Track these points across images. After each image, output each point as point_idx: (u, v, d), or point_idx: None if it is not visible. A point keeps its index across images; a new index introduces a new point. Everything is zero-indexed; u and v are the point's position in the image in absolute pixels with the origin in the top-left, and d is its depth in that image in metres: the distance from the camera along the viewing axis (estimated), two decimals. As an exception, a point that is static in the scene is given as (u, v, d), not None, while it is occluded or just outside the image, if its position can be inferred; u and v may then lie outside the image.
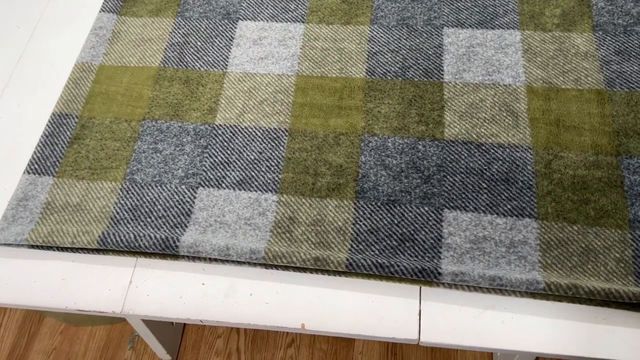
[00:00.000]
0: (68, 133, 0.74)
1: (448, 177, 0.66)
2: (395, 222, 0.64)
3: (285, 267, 0.63)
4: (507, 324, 0.58)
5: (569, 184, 0.64)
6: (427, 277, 0.59)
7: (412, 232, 0.63)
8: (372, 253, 0.62)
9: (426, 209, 0.64)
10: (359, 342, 1.28)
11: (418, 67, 0.75)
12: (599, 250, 0.60)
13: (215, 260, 0.64)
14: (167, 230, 0.65)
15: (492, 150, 0.68)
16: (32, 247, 0.66)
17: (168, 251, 0.63)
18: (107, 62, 0.81)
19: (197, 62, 0.80)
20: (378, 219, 0.64)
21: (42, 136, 0.74)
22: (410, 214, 0.64)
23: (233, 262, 0.63)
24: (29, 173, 0.71)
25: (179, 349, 1.28)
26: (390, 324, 0.59)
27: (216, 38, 0.82)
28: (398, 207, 0.65)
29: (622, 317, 0.58)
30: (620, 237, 0.61)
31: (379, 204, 0.65)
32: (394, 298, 0.61)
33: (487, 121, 0.70)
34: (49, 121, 0.75)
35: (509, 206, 0.64)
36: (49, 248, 0.66)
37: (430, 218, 0.64)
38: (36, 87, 0.81)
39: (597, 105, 0.70)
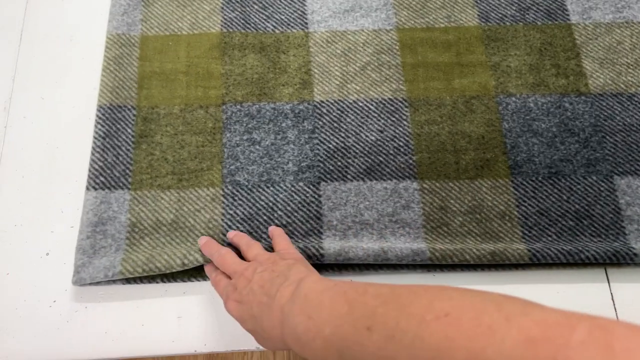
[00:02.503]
0: (129, 130, 0.59)
1: (607, 137, 0.58)
2: (564, 198, 0.56)
3: (452, 267, 0.54)
4: None
5: None
6: (622, 259, 0.52)
7: (586, 207, 0.55)
8: (549, 239, 0.54)
9: (594, 178, 0.57)
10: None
11: (538, 8, 0.65)
12: None
13: (366, 267, 0.54)
14: (300, 239, 0.54)
15: (646, 101, 0.60)
16: (127, 282, 0.53)
17: (311, 261, 0.52)
18: (149, 32, 0.64)
19: (268, 22, 0.64)
20: (544, 197, 0.56)
21: (95, 138, 0.58)
22: (578, 186, 0.56)
23: (388, 267, 0.54)
24: (95, 189, 0.56)
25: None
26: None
27: (282, -12, 0.66)
28: (563, 180, 0.57)
29: None
30: None
31: (539, 178, 0.57)
32: (580, 285, 0.54)
33: (631, 67, 0.62)
34: (99, 117, 0.59)
35: (681, 164, 0.57)
36: (150, 280, 0.53)
37: (602, 188, 0.56)
38: (56, 73, 0.63)
39: None
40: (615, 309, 0.53)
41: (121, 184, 0.56)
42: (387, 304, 0.33)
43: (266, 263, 0.45)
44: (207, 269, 0.51)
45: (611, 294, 0.54)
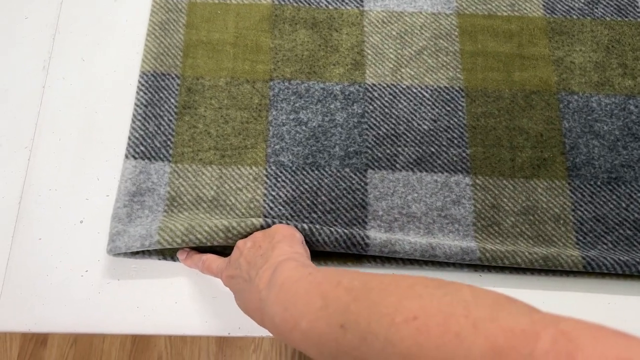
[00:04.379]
0: (172, 100, 0.56)
1: (673, 145, 0.55)
2: (623, 205, 0.53)
3: (500, 269, 0.51)
4: None
5: None
6: (683, 274, 0.50)
7: (646, 217, 0.53)
8: (604, 247, 0.51)
9: (657, 187, 0.54)
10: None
11: (608, 3, 0.61)
12: None
13: (411, 262, 0.51)
14: (344, 228, 0.52)
15: None
16: (163, 256, 0.51)
17: (354, 250, 0.50)
18: (197, -2, 0.61)
19: (322, -4, 0.61)
20: (602, 203, 0.53)
21: (137, 106, 0.56)
22: (639, 194, 0.53)
23: (434, 263, 0.51)
24: (134, 158, 0.54)
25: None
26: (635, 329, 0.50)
27: (338, -37, 0.63)
28: (622, 187, 0.54)
29: None
30: None
31: (598, 183, 0.54)
32: (634, 298, 0.51)
33: (703, 72, 0.58)
34: (141, 84, 0.57)
35: None
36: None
37: (664, 199, 0.53)
38: (100, 32, 0.61)
39: None
40: (668, 326, 0.51)
41: (162, 155, 0.54)
42: (358, 300, 0.33)
43: (257, 238, 0.46)
44: (188, 261, 0.50)
45: (666, 309, 0.51)
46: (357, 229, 0.52)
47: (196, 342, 1.17)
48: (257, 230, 0.49)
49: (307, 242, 0.49)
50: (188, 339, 1.17)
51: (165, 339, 1.16)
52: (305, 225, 0.50)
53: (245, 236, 0.49)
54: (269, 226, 0.49)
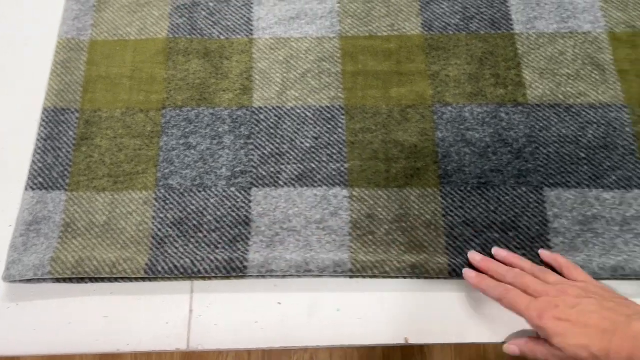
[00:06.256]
0: (71, 133, 0.60)
1: (541, 148, 0.58)
2: (492, 208, 0.56)
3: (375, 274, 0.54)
4: None
5: (675, 145, 0.58)
6: (543, 272, 0.52)
7: (513, 219, 0.55)
8: (473, 249, 0.54)
9: (524, 189, 0.56)
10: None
11: (482, 18, 0.65)
12: None
13: (292, 275, 0.54)
14: (227, 247, 0.55)
15: (584, 113, 0.59)
16: (56, 280, 0.54)
17: (234, 273, 0.53)
18: (99, 36, 0.65)
19: (214, 28, 0.65)
20: (472, 207, 0.56)
21: (38, 140, 0.60)
22: (506, 197, 0.56)
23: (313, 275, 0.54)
24: (33, 189, 0.58)
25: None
26: (503, 325, 0.53)
27: (231, -5, 0.67)
28: (492, 191, 0.56)
29: None
30: None
31: (468, 188, 0.57)
32: (503, 296, 0.54)
33: (571, 78, 0.61)
34: (43, 119, 0.61)
35: (613, 177, 0.57)
36: (78, 280, 0.54)
37: (531, 200, 0.56)
38: (6, 75, 0.65)
39: (689, 49, 0.62)
40: (536, 322, 0.53)
41: (59, 185, 0.58)
42: None
43: (589, 290, 0.47)
44: (483, 285, 0.51)
45: (534, 306, 0.53)
46: (241, 246, 0.55)
47: (162, 357, 1.19)
48: (140, 267, 0.53)
49: (189, 274, 0.52)
50: (154, 356, 1.19)
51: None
52: (187, 260, 0.53)
53: (133, 272, 0.53)
54: (149, 268, 0.52)
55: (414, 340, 0.52)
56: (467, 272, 0.52)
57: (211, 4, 0.67)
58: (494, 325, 0.53)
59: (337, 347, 0.53)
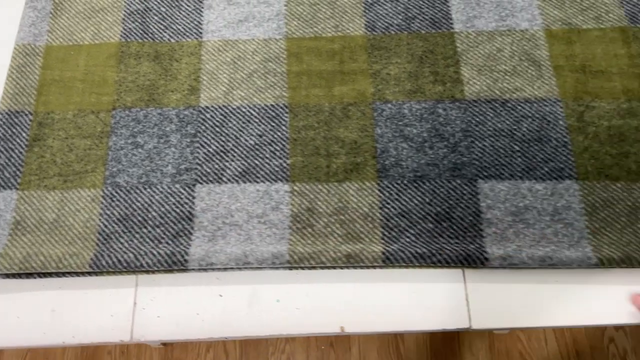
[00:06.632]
0: (24, 135, 0.62)
1: (476, 142, 0.60)
2: (427, 200, 0.57)
3: (313, 266, 0.56)
4: (560, 298, 0.54)
5: (606, 137, 0.59)
6: (473, 263, 0.53)
7: (447, 210, 0.57)
8: (407, 240, 0.56)
9: (458, 181, 0.58)
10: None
11: (424, 17, 0.67)
12: (646, 207, 0.56)
13: (232, 267, 0.56)
14: (170, 242, 0.56)
15: (519, 107, 0.61)
16: (6, 276, 0.56)
17: (176, 267, 0.55)
18: (54, 42, 0.68)
19: (165, 32, 0.68)
20: (407, 200, 0.58)
21: (-8, 142, 0.62)
22: (441, 189, 0.58)
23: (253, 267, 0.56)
24: (-15, 189, 0.59)
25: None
26: (438, 314, 0.54)
27: (182, 0, 0.69)
28: (427, 183, 0.58)
29: (674, 274, 0.55)
30: (665, 189, 0.57)
31: (405, 181, 0.58)
32: (437, 285, 0.55)
33: (508, 74, 0.63)
34: (-3, 122, 0.63)
35: (546, 169, 0.58)
36: (27, 275, 0.56)
37: (465, 192, 0.58)
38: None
39: (622, 44, 0.64)
40: (469, 310, 0.54)
41: (10, 184, 0.60)
42: None
43: None
44: None
45: (466, 294, 0.55)
46: (184, 241, 0.56)
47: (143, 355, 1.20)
48: (85, 262, 0.54)
49: (132, 268, 0.54)
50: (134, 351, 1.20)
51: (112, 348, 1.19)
52: (131, 254, 0.55)
53: (78, 267, 0.54)
54: (94, 262, 0.54)
55: (349, 329, 0.54)
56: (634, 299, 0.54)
57: (163, 9, 0.69)
58: (429, 314, 0.54)
59: (275, 336, 0.54)
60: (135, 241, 0.57)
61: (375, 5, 0.68)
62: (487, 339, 1.18)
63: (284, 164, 0.60)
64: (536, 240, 0.55)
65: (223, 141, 0.61)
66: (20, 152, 0.61)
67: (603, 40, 0.64)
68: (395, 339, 1.20)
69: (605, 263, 0.53)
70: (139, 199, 0.59)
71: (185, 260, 0.54)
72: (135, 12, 0.69)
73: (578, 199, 0.57)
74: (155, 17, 0.68)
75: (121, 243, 0.56)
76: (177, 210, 0.58)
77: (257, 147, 0.61)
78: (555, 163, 0.58)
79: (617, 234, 0.55)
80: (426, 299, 0.55)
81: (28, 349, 1.23)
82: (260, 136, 0.61)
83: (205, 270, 0.56)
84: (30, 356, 1.20)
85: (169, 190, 0.59)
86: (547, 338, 1.13)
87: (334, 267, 0.55)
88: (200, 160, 0.60)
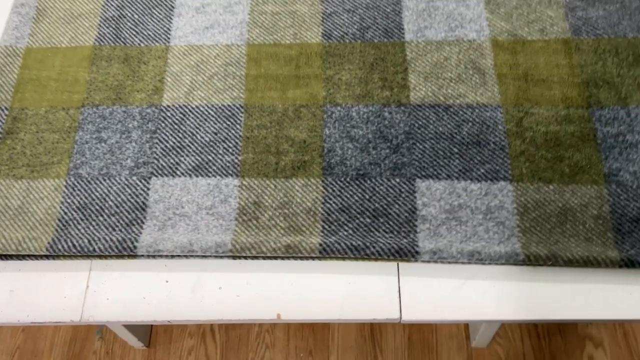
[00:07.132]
0: (-2, 128, 0.67)
1: (417, 144, 0.63)
2: (367, 197, 0.60)
3: (255, 256, 0.59)
4: (489, 293, 0.57)
5: (542, 142, 0.62)
6: (405, 256, 0.56)
7: (385, 206, 0.60)
8: (345, 233, 0.58)
9: (397, 180, 0.61)
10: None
11: (377, 27, 0.70)
12: (576, 208, 0.58)
13: (179, 255, 0.59)
14: (123, 229, 0.60)
15: (461, 112, 0.64)
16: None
17: (126, 253, 0.58)
18: (34, 44, 0.73)
19: (136, 37, 0.72)
20: (349, 196, 0.61)
21: (-32, 134, 0.66)
22: (381, 187, 0.61)
23: (198, 255, 0.59)
24: (-42, 177, 0.64)
25: (150, 335, 1.24)
26: (370, 305, 0.57)
27: (155, 8, 0.74)
28: (368, 181, 0.61)
29: (601, 275, 0.57)
30: (597, 192, 0.59)
31: (348, 179, 0.62)
32: (371, 277, 0.58)
33: (453, 81, 0.66)
34: (-25, 116, 0.67)
35: (482, 170, 0.61)
36: (-9, 258, 0.60)
37: (403, 190, 0.60)
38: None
39: (564, 55, 0.67)
40: (400, 302, 0.57)
41: (-19, 173, 0.64)
42: None
43: None
44: None
45: (399, 287, 0.57)
46: (135, 229, 0.60)
47: (126, 353, 1.23)
48: (43, 246, 0.58)
49: (86, 252, 0.58)
50: (118, 351, 1.23)
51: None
52: (85, 240, 0.58)
53: (36, 250, 0.58)
54: (50, 246, 0.58)
55: (285, 316, 0.57)
56: None
57: (136, 16, 0.74)
58: (362, 305, 0.57)
59: (215, 321, 0.57)
60: (92, 228, 0.60)
61: (333, 15, 0.72)
62: (465, 352, 1.19)
63: (236, 160, 0.63)
64: (467, 236, 0.57)
65: (180, 137, 0.65)
66: (-6, 144, 0.66)
67: (546, 50, 0.67)
68: (374, 349, 1.21)
69: (532, 260, 0.55)
70: (98, 189, 0.63)
71: (135, 247, 0.58)
72: (110, 19, 0.74)
73: (511, 199, 0.59)
74: (129, 24, 0.73)
75: (78, 229, 0.60)
76: (132, 201, 0.62)
77: (211, 143, 0.65)
78: (491, 165, 0.61)
79: (546, 233, 0.57)
80: (360, 291, 0.57)
81: (17, 347, 1.27)
82: (216, 134, 0.65)
83: (154, 257, 0.59)
84: (18, 355, 1.24)
85: (126, 182, 0.63)
86: (525, 352, 1.14)
87: (274, 258, 0.58)
88: (157, 155, 0.64)
